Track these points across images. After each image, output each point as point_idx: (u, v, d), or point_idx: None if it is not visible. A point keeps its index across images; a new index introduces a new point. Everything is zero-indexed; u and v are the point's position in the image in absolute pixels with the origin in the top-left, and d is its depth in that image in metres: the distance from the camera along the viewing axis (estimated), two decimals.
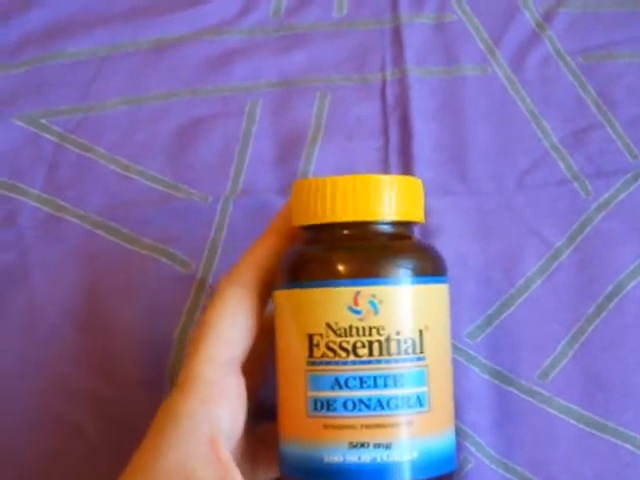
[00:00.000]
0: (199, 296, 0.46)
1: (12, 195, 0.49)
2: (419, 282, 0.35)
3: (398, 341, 0.34)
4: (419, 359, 0.35)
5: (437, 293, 0.36)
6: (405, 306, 0.35)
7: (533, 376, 0.44)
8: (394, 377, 0.34)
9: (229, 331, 0.36)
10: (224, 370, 0.36)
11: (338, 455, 0.34)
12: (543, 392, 0.44)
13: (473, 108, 0.50)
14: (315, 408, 0.35)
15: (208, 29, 0.53)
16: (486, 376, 0.44)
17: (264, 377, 0.41)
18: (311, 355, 0.35)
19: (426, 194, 0.47)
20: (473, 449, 0.43)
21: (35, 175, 0.49)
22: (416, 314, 0.35)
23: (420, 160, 0.49)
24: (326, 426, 0.34)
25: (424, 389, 0.35)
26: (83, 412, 0.45)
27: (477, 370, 0.44)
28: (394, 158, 0.49)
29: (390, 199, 0.36)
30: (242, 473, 0.34)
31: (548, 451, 0.43)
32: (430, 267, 0.36)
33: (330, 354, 0.34)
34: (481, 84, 0.51)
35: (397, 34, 0.52)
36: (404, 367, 0.34)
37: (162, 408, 0.36)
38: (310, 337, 0.35)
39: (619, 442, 0.43)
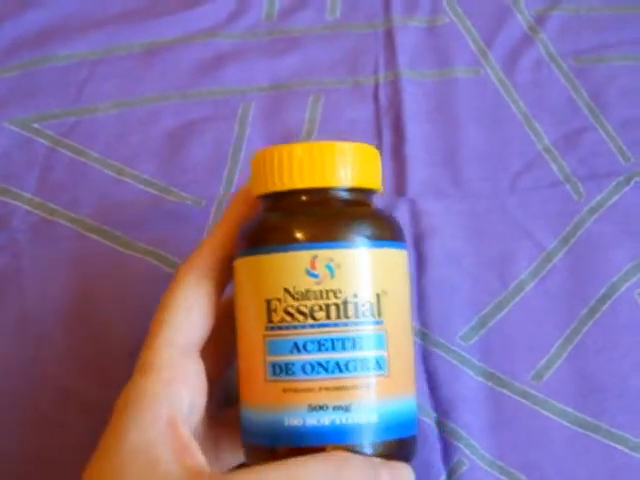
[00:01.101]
0: None
1: (5, 199, 0.49)
2: (376, 246, 0.35)
3: (355, 304, 0.34)
4: (377, 323, 0.35)
5: (395, 258, 0.36)
6: (362, 270, 0.35)
7: (527, 378, 0.44)
8: (352, 340, 0.34)
9: (186, 316, 0.37)
10: (182, 354, 0.36)
11: (298, 418, 0.34)
12: (537, 394, 0.44)
13: (466, 111, 0.50)
14: (274, 373, 0.35)
15: (200, 32, 0.53)
16: (480, 378, 0.44)
17: (227, 362, 0.41)
18: (270, 320, 0.35)
19: (419, 196, 0.48)
20: (467, 451, 0.43)
21: (28, 179, 0.49)
22: (373, 278, 0.35)
23: (413, 162, 0.49)
24: (285, 390, 0.34)
25: (382, 353, 0.35)
26: (74, 413, 0.45)
27: (471, 372, 0.44)
28: (387, 160, 0.49)
29: (346, 166, 0.36)
30: (206, 458, 0.35)
31: (542, 453, 0.43)
32: (388, 233, 0.36)
33: (288, 318, 0.34)
34: (474, 87, 0.51)
35: (390, 37, 0.52)
36: (362, 330, 0.34)
37: (124, 391, 0.36)
38: (268, 302, 0.35)
39: (613, 444, 0.43)
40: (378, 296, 0.35)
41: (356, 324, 0.34)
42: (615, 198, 0.47)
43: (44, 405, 0.45)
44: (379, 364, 0.35)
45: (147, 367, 0.36)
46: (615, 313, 0.45)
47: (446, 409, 0.44)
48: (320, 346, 0.34)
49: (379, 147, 0.49)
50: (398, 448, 0.35)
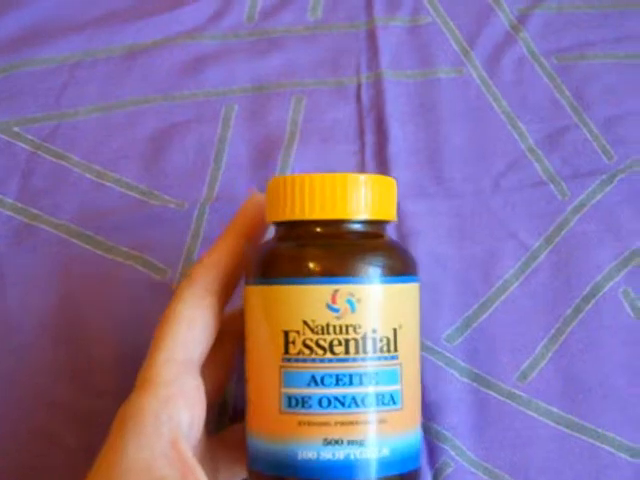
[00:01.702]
0: None
1: None
2: (393, 281, 0.36)
3: (374, 339, 0.35)
4: (393, 357, 0.35)
5: (410, 292, 0.37)
6: (381, 305, 0.35)
7: (512, 378, 0.44)
8: (369, 375, 0.35)
9: (187, 332, 0.36)
10: (182, 370, 0.36)
11: (312, 451, 0.34)
12: (522, 394, 0.44)
13: (448, 110, 0.50)
14: (289, 405, 0.35)
15: (181, 34, 0.52)
16: (465, 379, 0.44)
17: (226, 379, 0.41)
18: (287, 352, 0.35)
19: (403, 197, 0.47)
20: (453, 453, 0.43)
21: (9, 184, 0.49)
22: (391, 313, 0.35)
23: (396, 163, 0.48)
24: (300, 423, 0.34)
25: (397, 387, 0.35)
26: (62, 423, 0.45)
27: (456, 373, 0.44)
28: (370, 161, 0.49)
29: (363, 198, 0.36)
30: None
31: (527, 453, 0.43)
32: (403, 267, 0.37)
33: (306, 351, 0.34)
34: (456, 86, 0.51)
35: (372, 37, 0.52)
36: (379, 365, 0.35)
37: (124, 407, 0.35)
38: (286, 334, 0.35)
39: (598, 443, 0.43)
40: (395, 331, 0.35)
41: (373, 359, 0.35)
42: (599, 197, 0.47)
43: (31, 416, 0.45)
44: (393, 399, 0.35)
45: (147, 383, 0.36)
46: (599, 312, 0.45)
47: (431, 411, 0.44)
48: (338, 381, 0.34)
49: (362, 148, 0.49)
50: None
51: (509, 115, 0.50)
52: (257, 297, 0.36)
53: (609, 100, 0.50)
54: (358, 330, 0.34)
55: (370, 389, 0.35)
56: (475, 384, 0.44)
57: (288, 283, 0.35)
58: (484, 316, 0.45)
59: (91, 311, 0.46)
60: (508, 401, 0.44)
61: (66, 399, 0.45)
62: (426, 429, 0.43)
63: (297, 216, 0.36)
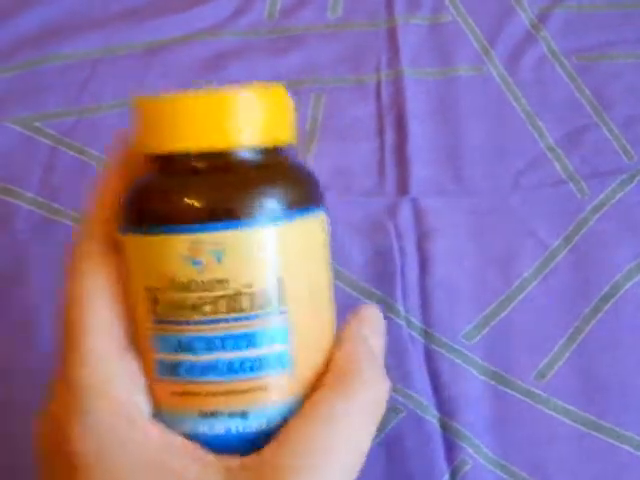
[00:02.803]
0: None
1: (7, 199, 0.49)
2: (277, 220, 0.29)
3: (250, 295, 0.28)
4: (280, 312, 0.29)
5: (303, 230, 0.30)
6: (259, 253, 0.28)
7: (530, 377, 0.44)
8: (246, 336, 0.29)
9: (105, 313, 0.30)
10: (116, 361, 0.30)
11: (188, 425, 0.29)
12: (540, 393, 0.44)
13: (468, 109, 0.50)
14: (162, 372, 0.30)
15: (202, 31, 0.53)
16: (483, 377, 0.44)
17: None
18: (154, 312, 0.29)
19: (422, 194, 0.48)
20: (471, 450, 0.43)
21: (30, 178, 0.49)
22: (275, 261, 0.29)
23: (416, 161, 0.48)
24: (173, 393, 0.29)
25: (285, 347, 0.29)
26: None
27: (474, 371, 0.44)
28: (390, 159, 0.49)
29: (244, 121, 0.29)
30: None
31: (545, 452, 0.43)
32: (295, 199, 0.30)
33: (172, 312, 0.29)
34: (476, 84, 0.51)
35: (392, 35, 0.52)
36: (258, 324, 0.29)
37: (74, 426, 0.29)
38: (150, 291, 0.29)
39: (617, 443, 0.43)
40: (279, 281, 0.29)
41: (251, 318, 0.29)
42: (618, 196, 0.47)
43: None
44: (281, 361, 0.29)
45: (90, 388, 0.29)
46: (618, 311, 0.45)
47: (449, 408, 0.43)
48: (209, 345, 0.29)
49: (382, 146, 0.49)
50: None
51: (529, 114, 0.50)
52: (125, 248, 0.30)
53: (629, 100, 0.50)
54: (228, 285, 0.28)
55: (249, 352, 0.29)
56: (493, 382, 0.44)
57: (150, 233, 0.29)
58: (503, 314, 0.45)
59: None
60: (526, 399, 0.44)
61: None
62: (444, 426, 0.43)
63: (163, 148, 0.29)
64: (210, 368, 0.29)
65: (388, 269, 0.46)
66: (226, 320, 0.29)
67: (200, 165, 0.29)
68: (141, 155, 0.31)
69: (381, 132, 0.50)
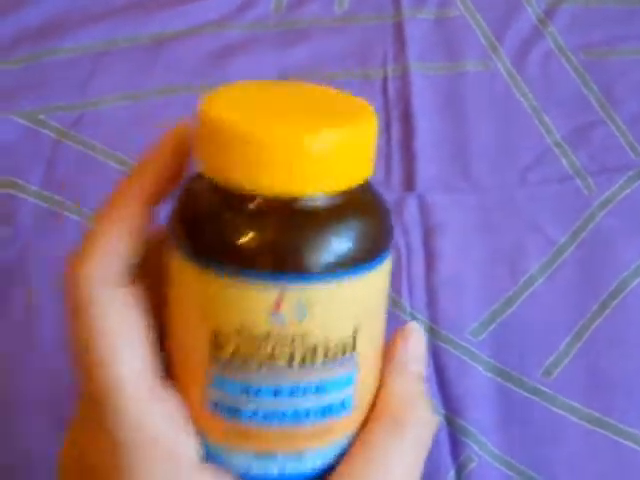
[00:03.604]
0: None
1: (11, 192, 0.48)
2: (357, 273, 0.27)
3: (326, 348, 0.27)
4: (349, 359, 0.28)
5: (377, 279, 0.29)
6: (338, 307, 0.27)
7: (536, 374, 0.44)
8: (316, 387, 0.28)
9: (138, 353, 0.28)
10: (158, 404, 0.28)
11: (242, 463, 0.28)
12: (547, 390, 0.44)
13: (475, 104, 0.50)
14: (216, 408, 0.28)
15: (208, 24, 0.53)
16: (489, 374, 0.44)
17: None
18: (216, 354, 0.27)
19: (429, 189, 0.47)
20: (476, 447, 0.43)
21: (34, 171, 0.49)
22: (351, 311, 0.28)
23: (422, 156, 0.48)
24: (228, 429, 0.28)
25: (349, 391, 0.29)
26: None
27: (480, 368, 0.44)
28: (396, 154, 0.49)
29: (323, 166, 0.26)
30: None
31: (552, 449, 0.43)
32: (372, 248, 0.28)
33: (239, 361, 0.27)
34: (483, 80, 0.51)
35: (399, 29, 0.52)
36: (329, 374, 0.28)
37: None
38: (216, 335, 0.27)
39: (623, 440, 0.43)
40: (354, 330, 0.28)
41: (324, 370, 0.28)
42: (625, 192, 0.47)
43: (58, 402, 0.44)
44: (344, 405, 0.29)
45: (138, 445, 0.27)
46: (625, 308, 0.45)
47: (455, 405, 0.43)
48: (277, 394, 0.28)
49: (388, 141, 0.49)
50: None
51: (536, 109, 0.50)
52: (185, 276, 0.27)
53: (636, 96, 0.50)
54: (306, 340, 0.27)
55: (316, 400, 0.28)
56: (499, 379, 0.44)
57: (221, 270, 0.26)
58: (509, 311, 0.45)
59: None
60: (532, 396, 0.44)
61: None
62: (450, 423, 0.43)
63: (240, 183, 0.26)
64: (274, 415, 0.28)
65: (394, 265, 0.45)
66: (299, 371, 0.27)
67: (283, 211, 0.26)
68: (204, 176, 0.27)
69: (387, 127, 0.50)
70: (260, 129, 0.26)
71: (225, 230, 0.26)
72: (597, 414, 0.43)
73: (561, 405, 0.44)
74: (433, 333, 0.45)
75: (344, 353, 0.28)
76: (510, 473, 0.43)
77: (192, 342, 0.28)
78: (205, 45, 0.52)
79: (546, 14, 0.52)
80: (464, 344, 0.44)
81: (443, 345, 0.44)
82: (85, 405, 0.29)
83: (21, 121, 0.50)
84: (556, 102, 0.50)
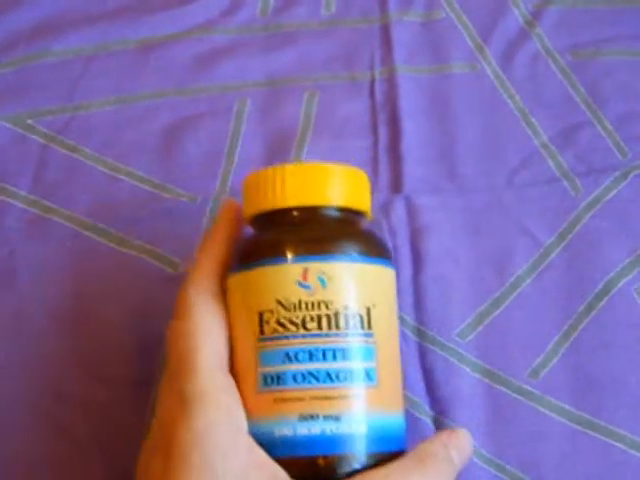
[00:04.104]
0: None
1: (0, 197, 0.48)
2: (366, 261, 0.36)
3: (346, 316, 0.35)
4: (367, 335, 0.35)
5: (384, 274, 0.37)
6: (352, 283, 0.35)
7: (524, 375, 0.44)
8: (342, 350, 0.35)
9: (214, 340, 0.36)
10: (225, 375, 0.36)
11: (288, 427, 0.34)
12: (534, 391, 0.44)
13: (462, 106, 0.50)
14: (265, 383, 0.35)
15: (195, 28, 0.53)
16: (477, 375, 0.44)
17: None
18: (262, 332, 0.35)
19: (416, 191, 0.47)
20: None
21: (22, 176, 0.49)
22: (363, 291, 0.36)
23: (409, 158, 0.48)
24: (276, 400, 0.35)
25: (372, 364, 0.35)
26: (73, 414, 0.44)
27: (468, 369, 0.44)
28: (383, 156, 0.49)
29: (337, 186, 0.37)
30: None
31: (539, 450, 0.43)
32: (377, 250, 0.37)
33: (280, 329, 0.35)
34: (470, 82, 0.51)
35: (386, 32, 0.52)
36: (352, 341, 0.35)
37: (181, 424, 0.34)
38: (260, 315, 0.35)
39: (611, 441, 0.43)
40: (368, 309, 0.36)
41: (347, 335, 0.35)
42: (612, 193, 0.47)
43: (43, 407, 0.45)
44: (369, 375, 0.35)
45: (200, 396, 0.34)
46: (612, 309, 0.45)
47: (443, 406, 0.43)
48: (311, 356, 0.35)
49: (375, 143, 0.49)
50: (388, 461, 0.35)
51: (523, 111, 0.50)
52: (235, 284, 0.37)
53: (623, 97, 0.50)
54: (330, 306, 0.35)
55: (344, 364, 0.35)
56: (487, 380, 0.44)
57: (262, 265, 0.36)
58: (496, 312, 0.45)
59: (104, 304, 0.46)
60: (520, 397, 0.44)
61: (76, 390, 0.45)
62: (438, 425, 0.43)
63: (274, 205, 0.37)
64: (312, 376, 0.35)
65: None
66: (327, 335, 0.35)
67: (305, 216, 0.37)
68: (248, 218, 0.39)
69: (375, 129, 0.50)
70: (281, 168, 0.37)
71: (257, 238, 0.38)
72: (585, 415, 0.43)
73: (549, 406, 0.44)
74: (420, 335, 0.45)
75: (362, 326, 0.35)
76: (498, 474, 0.43)
77: (244, 333, 0.36)
78: (192, 49, 0.52)
79: (533, 15, 0.52)
80: (451, 345, 0.45)
81: (430, 347, 0.45)
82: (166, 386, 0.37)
83: (9, 125, 0.50)
84: (543, 103, 0.50)
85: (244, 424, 0.35)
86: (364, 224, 0.39)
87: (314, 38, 0.52)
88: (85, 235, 0.47)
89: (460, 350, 0.45)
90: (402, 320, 0.45)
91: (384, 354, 0.36)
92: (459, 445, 0.37)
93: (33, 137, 0.50)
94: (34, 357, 0.45)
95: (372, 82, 0.51)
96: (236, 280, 0.37)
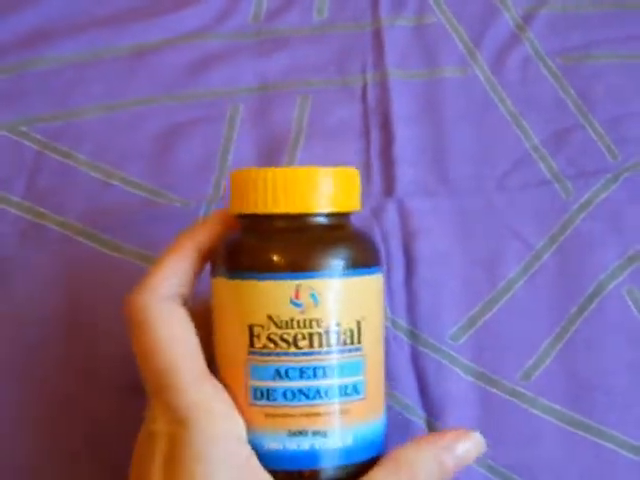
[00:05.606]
0: None
1: None
2: (356, 274, 0.36)
3: (337, 332, 0.35)
4: (357, 349, 0.36)
5: (373, 283, 0.37)
6: (343, 298, 0.35)
7: (516, 377, 0.44)
8: (333, 368, 0.35)
9: (191, 352, 0.36)
10: (215, 385, 0.36)
11: (277, 442, 0.35)
12: (526, 392, 0.44)
13: (454, 110, 0.50)
14: (256, 397, 0.35)
15: (188, 34, 0.53)
16: (469, 377, 0.44)
17: None
18: (252, 345, 0.35)
19: (408, 195, 0.48)
20: None
21: (16, 183, 0.49)
22: (354, 305, 0.36)
23: (401, 162, 0.49)
24: (267, 415, 0.35)
25: (361, 377, 0.36)
26: (70, 419, 0.45)
27: (460, 372, 0.44)
28: (375, 160, 0.49)
29: (325, 191, 0.36)
30: None
31: (532, 451, 0.43)
32: (366, 258, 0.37)
33: (271, 345, 0.35)
34: (461, 86, 0.51)
35: (377, 37, 0.52)
36: (343, 358, 0.35)
37: (179, 434, 0.34)
38: (251, 328, 0.35)
39: (602, 442, 0.43)
40: (358, 323, 0.36)
41: (337, 352, 0.35)
42: (603, 196, 0.48)
43: (40, 412, 0.45)
44: (357, 389, 0.36)
45: (194, 410, 0.35)
46: (603, 311, 0.45)
47: (436, 409, 0.44)
48: (302, 374, 0.35)
49: (367, 147, 0.49)
50: (369, 467, 0.36)
51: (514, 115, 0.50)
52: (224, 291, 0.37)
53: (614, 100, 0.50)
54: (321, 324, 0.35)
55: (333, 381, 0.35)
56: (479, 382, 0.44)
57: (252, 278, 0.35)
58: (488, 315, 0.45)
59: (98, 310, 0.46)
60: (512, 399, 0.44)
61: (71, 394, 0.45)
62: (430, 427, 0.43)
63: (260, 209, 0.36)
64: (302, 393, 0.35)
65: None
66: (318, 353, 0.35)
67: (294, 224, 0.36)
68: (233, 214, 0.38)
69: (367, 133, 0.50)
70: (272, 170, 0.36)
71: (244, 247, 0.37)
72: (577, 416, 0.44)
73: (541, 407, 0.44)
74: (413, 337, 0.45)
75: (353, 342, 0.35)
76: (491, 476, 0.43)
77: (233, 343, 0.36)
78: (184, 55, 0.52)
79: (524, 20, 0.53)
80: (444, 348, 0.45)
81: (423, 349, 0.45)
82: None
83: (3, 132, 0.50)
84: (534, 107, 0.50)
85: (243, 432, 0.35)
86: (353, 225, 0.39)
87: (306, 43, 0.52)
88: (79, 241, 0.47)
89: (452, 353, 0.45)
90: (395, 323, 0.45)
91: (371, 364, 0.36)
92: (449, 447, 0.37)
93: (27, 144, 0.50)
94: (29, 361, 0.45)
95: (364, 87, 0.51)
96: (226, 286, 0.36)
